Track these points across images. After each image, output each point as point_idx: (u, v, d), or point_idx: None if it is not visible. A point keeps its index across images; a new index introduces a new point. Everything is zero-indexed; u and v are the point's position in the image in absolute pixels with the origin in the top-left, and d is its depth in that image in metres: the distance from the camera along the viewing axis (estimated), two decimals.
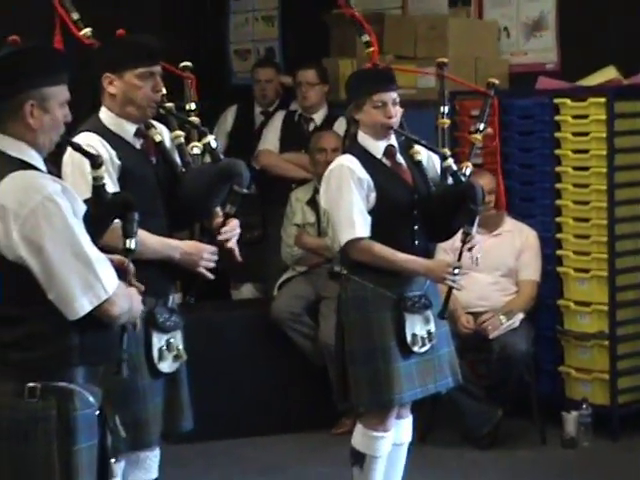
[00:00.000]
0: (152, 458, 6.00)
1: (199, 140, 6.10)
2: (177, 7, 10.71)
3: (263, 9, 11.31)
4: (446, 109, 6.73)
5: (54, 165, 4.64)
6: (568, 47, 9.11)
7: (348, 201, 6.26)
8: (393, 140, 6.39)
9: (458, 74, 7.06)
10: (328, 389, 7.50)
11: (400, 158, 6.42)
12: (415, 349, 6.30)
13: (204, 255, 5.78)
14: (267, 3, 11.27)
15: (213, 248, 5.83)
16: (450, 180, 6.43)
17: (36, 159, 4.37)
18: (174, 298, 5.93)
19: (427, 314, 6.36)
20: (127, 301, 4.41)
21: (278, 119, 9.60)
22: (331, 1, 9.61)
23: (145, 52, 5.77)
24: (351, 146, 6.47)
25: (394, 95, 6.30)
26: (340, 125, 8.76)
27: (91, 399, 4.40)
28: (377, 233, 6.28)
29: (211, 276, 5.82)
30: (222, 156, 6.06)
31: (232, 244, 5.90)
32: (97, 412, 4.44)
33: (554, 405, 8.24)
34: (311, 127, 9.36)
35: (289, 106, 9.66)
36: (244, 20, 11.47)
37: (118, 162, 5.66)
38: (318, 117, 9.40)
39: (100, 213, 4.58)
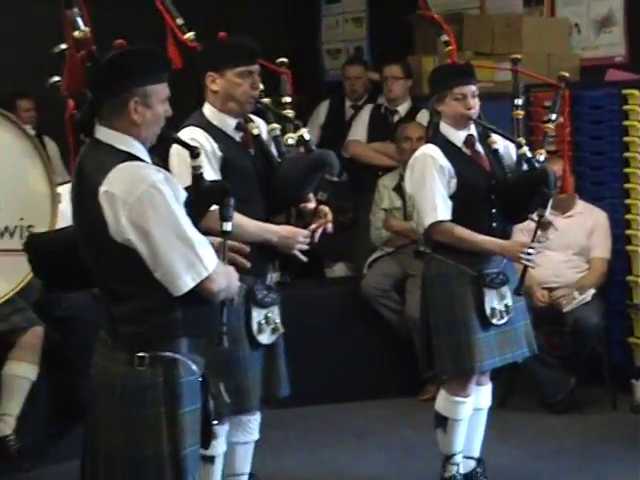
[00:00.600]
0: (253, 421, 6.07)
1: (294, 132, 6.11)
2: (275, 10, 10.72)
3: (352, 11, 11.31)
4: (520, 101, 6.70)
5: (159, 156, 4.70)
6: (635, 41, 9.04)
7: (431, 187, 6.26)
8: (472, 130, 6.39)
9: (532, 68, 7.03)
10: (414, 359, 7.52)
11: (479, 147, 6.41)
12: (494, 321, 6.31)
13: (299, 238, 5.81)
14: (356, 6, 11.26)
15: (307, 232, 5.86)
16: (525, 166, 6.41)
17: (140, 151, 4.42)
18: (272, 277, 5.94)
19: (504, 289, 6.36)
20: (225, 279, 4.45)
21: (366, 112, 9.59)
22: (415, 3, 9.65)
23: (244, 52, 5.81)
24: (434, 136, 6.49)
25: (473, 88, 6.30)
26: (423, 116, 8.78)
27: (194, 367, 4.45)
28: (458, 216, 6.29)
29: (304, 258, 5.86)
30: (315, 147, 6.11)
31: (322, 228, 5.94)
32: (200, 379, 4.49)
33: (624, 373, 8.18)
34: (396, 118, 9.33)
35: (376, 100, 9.62)
36: (335, 22, 11.49)
37: (220, 153, 5.71)
38: (402, 109, 9.37)
39: (199, 199, 4.64)
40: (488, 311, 6.29)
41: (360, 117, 9.62)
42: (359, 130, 9.53)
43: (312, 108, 9.75)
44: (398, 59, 9.46)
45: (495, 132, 6.48)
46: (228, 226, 4.66)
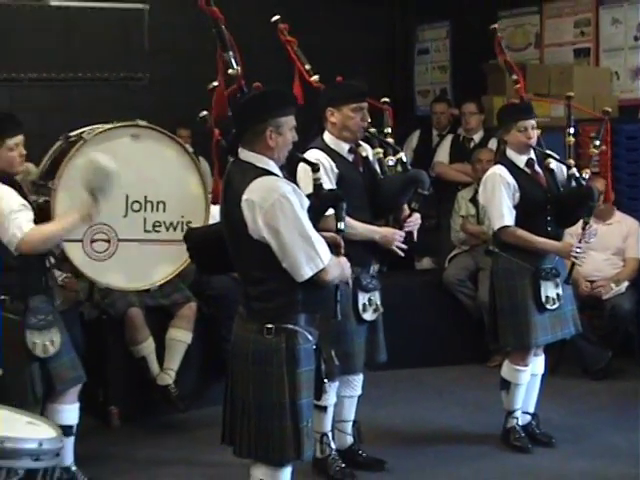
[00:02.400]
0: (357, 380, 6.10)
1: (393, 155, 6.14)
2: (379, 60, 10.72)
3: (438, 61, 11.25)
4: (572, 130, 6.68)
5: (288, 171, 4.73)
6: None
7: (499, 199, 6.28)
8: (532, 154, 6.36)
9: (577, 109, 6.97)
10: (483, 334, 7.43)
11: (537, 168, 6.38)
12: (548, 307, 6.29)
13: (396, 237, 5.85)
14: (441, 57, 11.20)
15: (402, 233, 5.88)
16: (573, 183, 6.39)
17: (274, 168, 4.49)
18: (374, 268, 5.95)
19: (557, 281, 6.33)
20: (338, 269, 4.51)
21: (448, 140, 9.54)
22: (488, 54, 9.64)
23: (356, 93, 5.84)
24: (501, 159, 6.47)
25: (533, 122, 6.31)
26: (492, 143, 8.77)
27: (310, 337, 4.52)
28: (520, 222, 6.29)
29: (401, 253, 5.88)
30: (409, 167, 6.10)
31: (414, 230, 5.95)
32: (314, 347, 4.55)
33: None
34: (471, 145, 9.27)
35: (456, 130, 9.56)
36: (425, 69, 11.42)
37: (336, 170, 5.75)
38: (477, 137, 9.30)
39: (319, 204, 4.67)
40: (543, 298, 6.28)
41: (444, 144, 9.57)
42: (443, 154, 9.48)
43: (406, 136, 9.67)
44: (474, 98, 9.41)
45: (550, 156, 6.44)
46: (342, 225, 4.74)
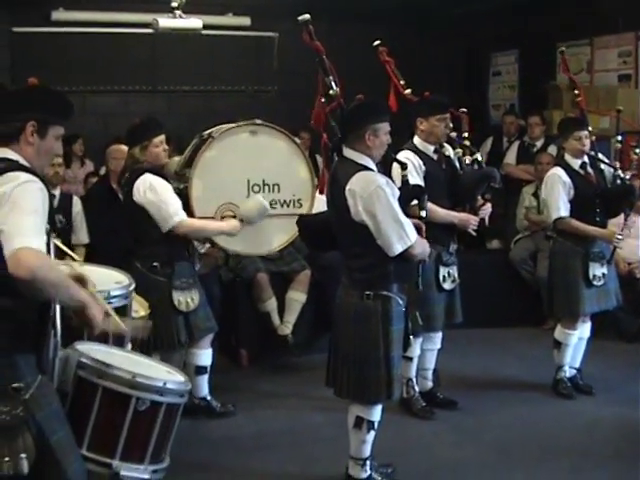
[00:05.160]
0: (437, 337, 6.02)
1: (470, 155, 6.05)
2: (460, 80, 10.59)
3: (508, 81, 11.05)
4: (619, 138, 6.51)
5: (383, 167, 4.63)
6: None
7: (557, 194, 6.13)
8: (586, 159, 6.19)
9: (623, 122, 6.77)
10: (540, 303, 7.32)
11: (589, 169, 6.20)
12: (595, 283, 6.15)
13: (472, 222, 5.76)
14: (510, 78, 11.00)
15: (477, 218, 5.79)
16: (618, 182, 6.24)
17: (371, 164, 4.45)
18: (453, 246, 5.83)
19: (603, 262, 6.19)
20: (421, 247, 4.45)
21: (515, 145, 9.31)
22: (548, 77, 9.55)
23: (442, 106, 5.76)
24: (560, 162, 6.33)
25: (586, 132, 6.15)
26: (551, 149, 8.62)
27: (400, 302, 4.47)
28: (574, 213, 6.13)
29: (474, 234, 5.81)
30: (484, 165, 6.05)
31: (486, 217, 5.88)
32: (403, 309, 4.48)
33: None
34: (534, 150, 9.00)
35: (522, 138, 9.33)
36: (497, 87, 11.25)
37: (423, 167, 5.66)
38: (539, 144, 9.04)
39: (406, 195, 4.58)
40: (591, 276, 6.15)
41: (512, 148, 9.35)
42: (511, 156, 9.27)
43: (482, 142, 9.49)
44: (537, 112, 9.19)
45: (600, 160, 6.31)
46: (423, 213, 4.68)
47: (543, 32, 9.87)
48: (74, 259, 5.75)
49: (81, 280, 3.40)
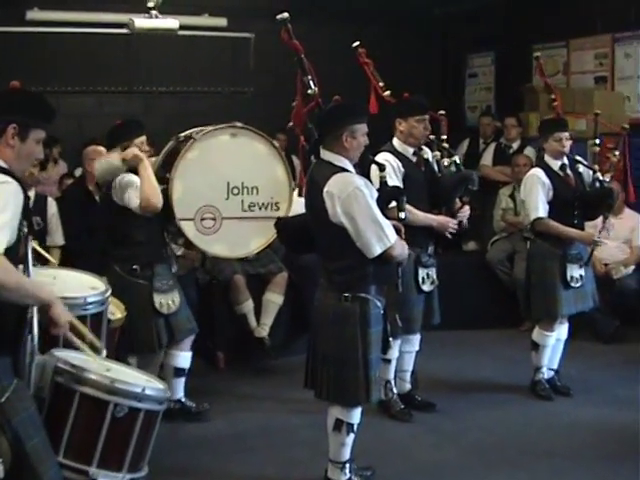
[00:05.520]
0: (416, 339, 6.01)
1: (448, 157, 6.05)
2: (436, 81, 10.58)
3: (484, 83, 11.07)
4: (597, 141, 6.53)
5: (361, 168, 4.60)
6: None
7: (535, 195, 6.13)
8: (565, 160, 6.20)
9: (600, 124, 6.79)
10: (517, 304, 7.36)
11: (569, 171, 6.21)
12: (572, 284, 6.15)
13: (450, 225, 5.73)
14: (487, 80, 11.02)
15: (455, 221, 5.76)
16: (597, 185, 6.25)
17: (349, 166, 4.42)
18: (431, 248, 5.82)
19: (580, 264, 6.18)
20: (401, 248, 4.43)
21: (492, 147, 9.32)
22: (524, 79, 9.60)
23: (420, 107, 5.76)
24: (539, 163, 6.32)
25: (567, 134, 6.16)
26: (528, 151, 8.67)
27: (378, 304, 4.44)
28: (552, 215, 6.13)
29: (450, 237, 5.79)
30: (462, 168, 6.03)
31: (464, 220, 5.85)
32: (382, 312, 4.45)
33: None
34: (511, 151, 9.02)
35: (499, 139, 9.36)
36: (474, 89, 11.25)
37: (402, 170, 5.64)
38: (515, 145, 9.06)
39: (384, 197, 4.55)
40: (569, 278, 6.14)
41: (488, 150, 9.36)
42: (487, 158, 9.27)
43: (458, 143, 9.49)
44: (513, 114, 9.22)
45: (580, 162, 6.31)
46: (402, 215, 4.66)
47: (519, 34, 9.90)
48: (49, 261, 5.72)
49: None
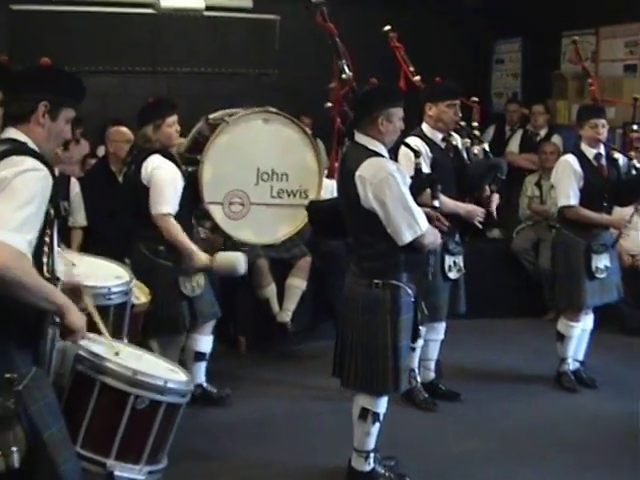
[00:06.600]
0: (441, 327, 5.94)
1: (478, 145, 5.96)
2: (464, 66, 10.38)
3: (512, 69, 10.95)
4: (635, 127, 6.51)
5: (395, 154, 4.55)
6: None
7: (567, 182, 6.04)
8: (601, 149, 6.10)
9: (628, 111, 6.69)
10: (542, 293, 7.28)
11: (603, 161, 6.10)
12: (597, 275, 6.07)
13: (478, 213, 5.66)
14: (514, 66, 10.88)
15: (483, 210, 5.69)
16: (633, 172, 6.12)
17: (383, 150, 4.34)
18: (458, 236, 5.74)
19: (605, 254, 6.09)
20: (433, 236, 4.35)
21: (518, 134, 9.24)
22: (551, 65, 9.52)
23: (451, 92, 5.67)
24: (574, 149, 6.21)
25: (604, 121, 6.05)
26: (555, 139, 8.59)
27: (409, 291, 4.36)
28: (583, 202, 6.03)
29: (480, 226, 5.72)
30: (491, 155, 5.94)
31: (493, 208, 5.79)
32: (412, 299, 4.38)
33: None
34: (538, 139, 8.94)
35: (525, 126, 9.26)
36: (500, 75, 11.16)
37: (431, 155, 5.55)
38: (542, 133, 8.98)
39: (419, 184, 4.49)
40: (593, 268, 6.05)
41: (515, 137, 9.29)
42: (514, 145, 9.20)
43: (484, 130, 9.38)
44: (541, 101, 9.14)
45: (615, 149, 6.24)
46: (437, 202, 4.64)
47: (548, 21, 9.77)
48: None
49: (76, 292, 3.33)
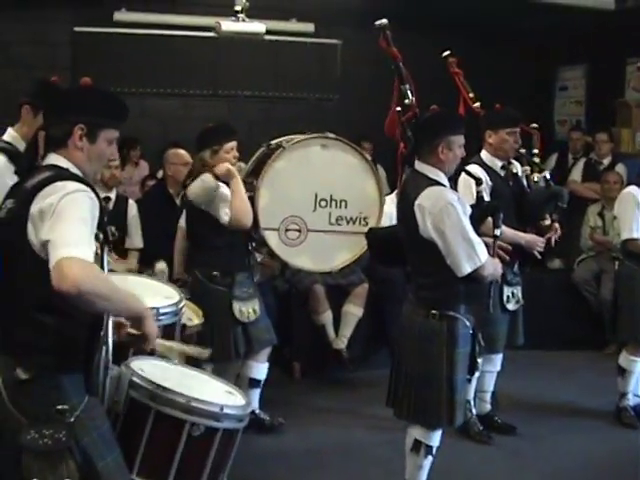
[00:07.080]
0: (498, 358, 5.86)
1: (539, 173, 5.87)
2: (530, 95, 10.26)
3: (575, 97, 10.85)
4: None
5: (455, 183, 4.50)
6: None
7: (630, 215, 5.92)
8: None
9: None
10: (602, 326, 7.18)
11: None
12: None
13: (538, 243, 5.56)
14: (577, 93, 10.79)
15: (543, 240, 5.59)
16: None
17: (443, 179, 4.30)
18: (517, 266, 5.63)
19: None
20: (492, 267, 4.29)
21: (581, 162, 9.11)
22: (616, 93, 9.40)
23: (512, 119, 5.61)
24: (638, 180, 6.09)
25: None
26: (619, 168, 8.47)
27: (467, 323, 4.30)
28: None
29: (539, 256, 5.60)
30: (552, 184, 5.83)
31: (553, 238, 5.70)
32: (470, 331, 4.31)
33: None
34: (601, 168, 8.80)
35: (589, 155, 9.15)
36: (563, 103, 11.05)
37: (490, 183, 5.46)
38: (606, 162, 8.85)
39: (481, 212, 4.43)
40: None
41: (577, 165, 9.15)
42: (576, 174, 9.06)
43: (546, 158, 9.27)
44: (605, 129, 9.00)
45: None
46: (498, 232, 4.59)
47: (613, 47, 9.65)
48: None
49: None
